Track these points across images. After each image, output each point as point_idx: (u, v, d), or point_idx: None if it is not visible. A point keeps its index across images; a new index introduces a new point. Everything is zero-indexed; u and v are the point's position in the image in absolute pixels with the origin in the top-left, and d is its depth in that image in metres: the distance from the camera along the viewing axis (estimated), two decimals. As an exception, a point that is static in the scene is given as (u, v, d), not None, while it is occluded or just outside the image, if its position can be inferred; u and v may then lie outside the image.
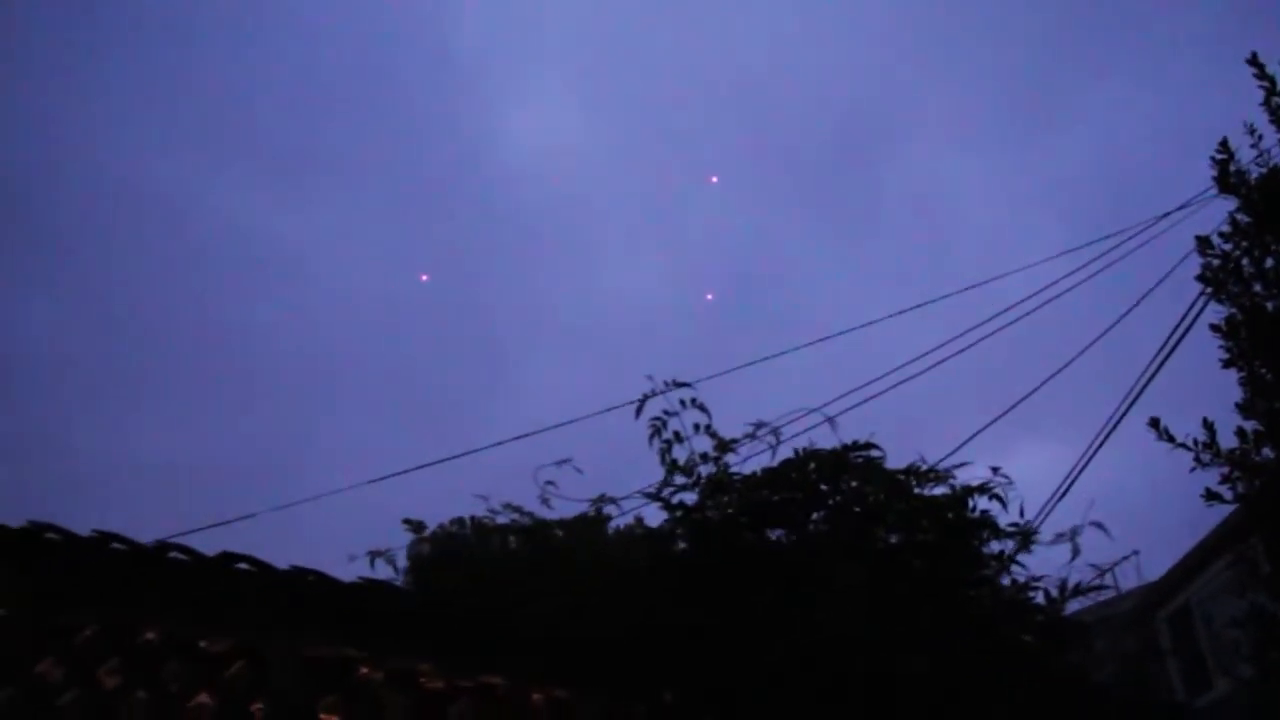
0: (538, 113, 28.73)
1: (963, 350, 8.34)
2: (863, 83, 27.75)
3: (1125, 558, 4.89)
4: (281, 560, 3.67)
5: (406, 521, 4.85)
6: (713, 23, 27.87)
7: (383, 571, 4.84)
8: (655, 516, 4.92)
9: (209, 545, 3.68)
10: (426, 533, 5.05)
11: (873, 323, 8.78)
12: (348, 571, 4.36)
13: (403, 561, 5.09)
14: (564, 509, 4.77)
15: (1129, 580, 5.17)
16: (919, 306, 8.96)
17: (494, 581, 4.20)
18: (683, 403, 4.79)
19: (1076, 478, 8.40)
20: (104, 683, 3.37)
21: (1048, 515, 7.67)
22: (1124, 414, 8.13)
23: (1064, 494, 8.28)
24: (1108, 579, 4.80)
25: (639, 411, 4.84)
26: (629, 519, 5.05)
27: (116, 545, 3.48)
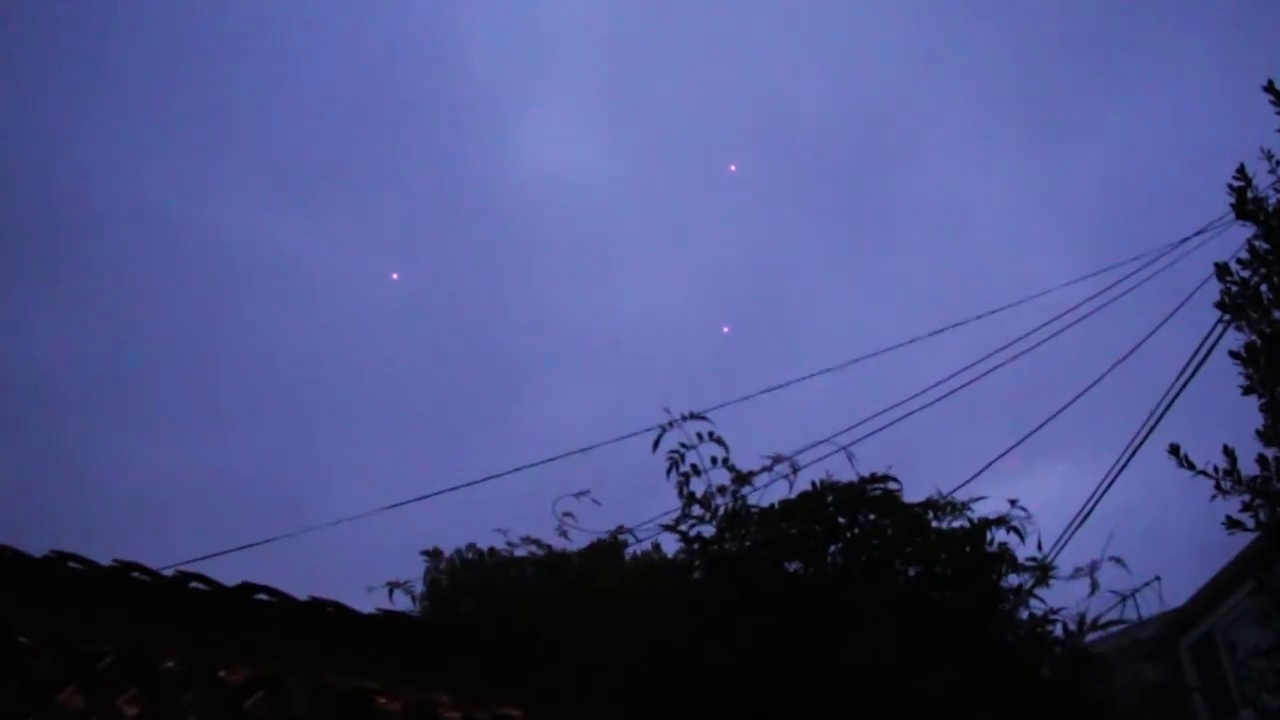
0: (550, 130, 28.89)
1: (979, 378, 8.32)
2: (876, 97, 27.79)
3: (1146, 584, 4.85)
4: (298, 586, 3.69)
5: (425, 553, 4.87)
6: (726, 39, 27.98)
7: (401, 602, 4.86)
8: (670, 540, 4.94)
9: (225, 568, 3.71)
10: (442, 560, 5.07)
11: (887, 350, 8.77)
12: (365, 601, 4.39)
13: (419, 588, 5.12)
14: (582, 540, 4.79)
15: (1150, 607, 5.13)
16: (935, 334, 8.94)
17: (511, 612, 4.21)
18: (700, 436, 4.82)
19: (1095, 504, 8.35)
20: (124, 712, 3.40)
21: (1067, 543, 7.62)
22: (1142, 441, 8.09)
23: (1083, 521, 8.23)
24: (1128, 606, 4.77)
25: (656, 445, 4.86)
26: (645, 545, 5.07)
27: (137, 575, 3.51)
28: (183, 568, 3.66)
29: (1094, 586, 4.54)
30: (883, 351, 8.81)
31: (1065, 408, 8.34)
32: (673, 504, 4.94)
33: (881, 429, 7.38)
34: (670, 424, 4.83)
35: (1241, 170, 6.33)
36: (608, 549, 4.87)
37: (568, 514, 4.71)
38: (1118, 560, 4.52)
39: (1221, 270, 6.47)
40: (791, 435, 5.24)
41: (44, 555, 3.44)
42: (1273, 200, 6.33)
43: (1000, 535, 4.66)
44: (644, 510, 5.10)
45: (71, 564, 3.45)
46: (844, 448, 4.92)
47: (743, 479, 4.76)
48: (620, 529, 4.81)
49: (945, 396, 8.12)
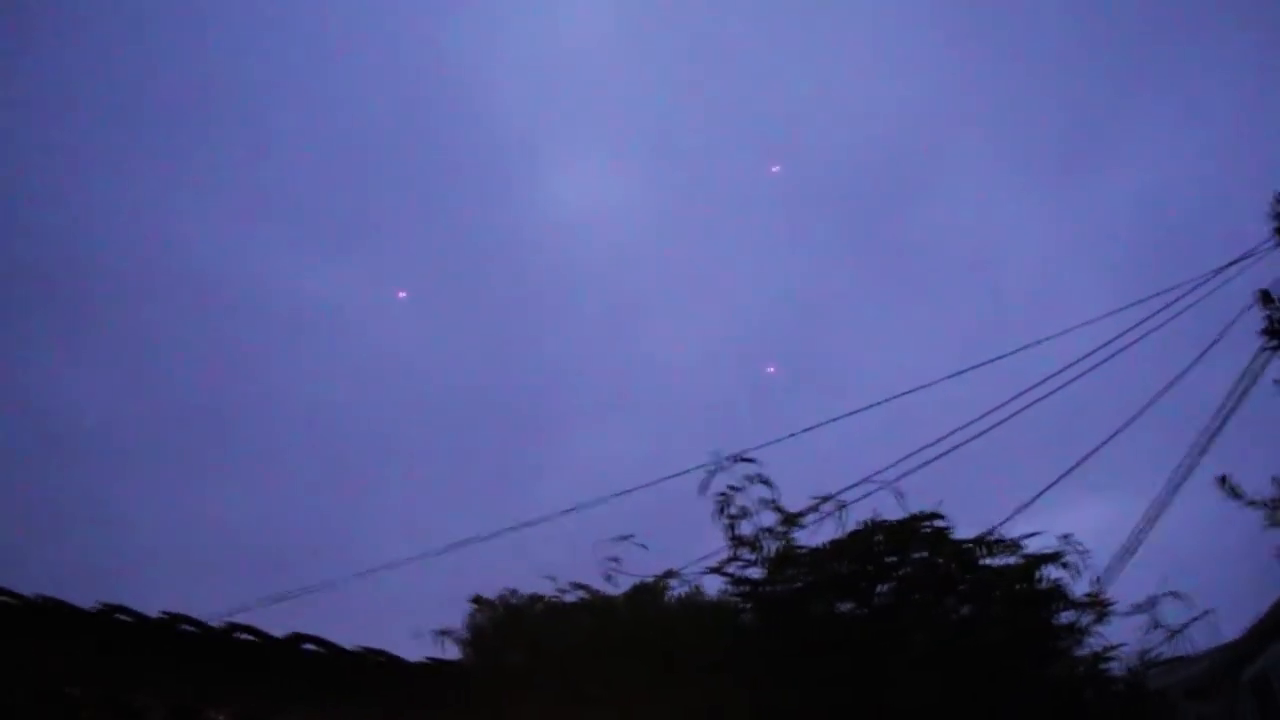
0: (581, 174, 29.08)
1: (1021, 410, 8.16)
2: (907, 131, 27.69)
3: (1196, 618, 4.71)
4: (344, 635, 3.65)
5: (474, 599, 4.84)
6: (755, 79, 28.08)
7: (448, 649, 4.81)
8: (711, 580, 4.86)
9: (269, 618, 3.69)
10: (486, 607, 5.02)
11: (927, 386, 8.64)
12: (411, 647, 4.33)
13: (463, 634, 5.07)
14: (627, 582, 4.73)
15: (1203, 640, 4.98)
16: (973, 369, 8.80)
17: (562, 660, 4.14)
18: (749, 479, 4.76)
19: (1144, 535, 8.14)
20: (174, 767, 3.37)
21: (1118, 575, 7.43)
22: (1189, 471, 7.89)
23: (1132, 552, 8.02)
24: (1181, 640, 4.63)
25: (704, 488, 4.82)
26: (687, 586, 4.99)
27: (186, 626, 3.49)
28: (231, 618, 3.64)
29: (1154, 623, 4.41)
30: (919, 389, 8.67)
31: (1111, 438, 8.13)
32: (712, 542, 4.87)
33: (926, 464, 7.24)
34: (718, 466, 4.80)
35: (1282, 197, 6.26)
36: (650, 592, 4.79)
37: (613, 558, 4.66)
38: (1177, 595, 4.39)
39: (1265, 298, 6.38)
40: (829, 468, 5.17)
41: (92, 608, 3.44)
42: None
43: (1054, 571, 4.54)
44: (681, 548, 5.04)
45: (120, 616, 3.44)
46: (891, 483, 4.85)
47: (792, 520, 4.69)
48: (668, 572, 4.74)
49: (988, 431, 7.95)
